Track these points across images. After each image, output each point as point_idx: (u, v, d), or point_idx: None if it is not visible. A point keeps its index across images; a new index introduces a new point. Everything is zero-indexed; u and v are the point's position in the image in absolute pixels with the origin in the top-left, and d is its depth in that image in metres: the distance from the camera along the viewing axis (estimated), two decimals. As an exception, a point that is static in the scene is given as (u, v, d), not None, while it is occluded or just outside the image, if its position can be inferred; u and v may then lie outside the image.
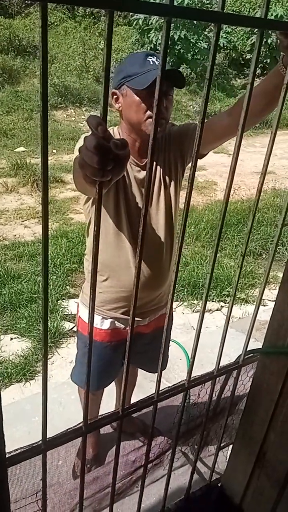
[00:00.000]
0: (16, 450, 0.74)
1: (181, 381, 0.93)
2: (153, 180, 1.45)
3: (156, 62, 1.31)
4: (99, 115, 0.53)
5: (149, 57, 1.32)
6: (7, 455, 0.70)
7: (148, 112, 1.32)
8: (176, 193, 1.50)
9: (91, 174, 0.55)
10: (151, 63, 1.30)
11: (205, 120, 1.54)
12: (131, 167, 1.43)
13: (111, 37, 0.45)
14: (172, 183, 1.48)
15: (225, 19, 0.54)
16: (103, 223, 1.44)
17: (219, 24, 0.53)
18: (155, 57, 1.33)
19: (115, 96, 1.40)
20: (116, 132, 1.46)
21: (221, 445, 1.20)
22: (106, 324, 1.61)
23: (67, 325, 2.99)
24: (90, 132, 0.55)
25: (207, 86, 0.54)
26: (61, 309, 3.14)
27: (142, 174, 1.44)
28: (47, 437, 0.73)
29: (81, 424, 0.77)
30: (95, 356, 1.65)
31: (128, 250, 1.47)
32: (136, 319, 1.60)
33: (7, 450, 0.68)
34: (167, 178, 1.47)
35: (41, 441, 0.73)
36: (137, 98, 1.32)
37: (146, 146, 1.41)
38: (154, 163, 1.45)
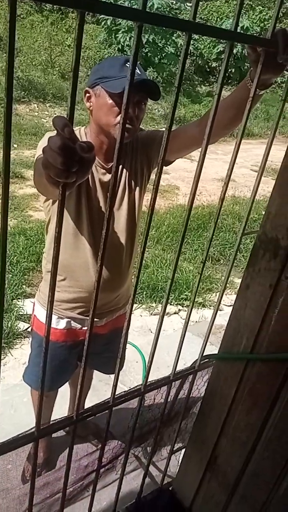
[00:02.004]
0: None
1: (137, 386, 0.93)
2: (118, 183, 1.45)
3: (136, 70, 1.29)
4: (64, 114, 0.52)
5: (129, 63, 1.30)
6: None
7: (117, 119, 1.30)
8: (140, 197, 1.51)
9: (54, 175, 0.54)
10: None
11: (174, 129, 1.53)
12: (96, 169, 1.41)
13: (81, 38, 0.45)
14: (137, 187, 1.48)
15: (196, 29, 0.54)
16: (63, 223, 1.42)
17: (190, 33, 0.53)
18: None
19: (87, 95, 1.37)
20: (82, 132, 1.44)
21: (174, 449, 1.21)
22: (62, 324, 1.59)
23: (22, 325, 2.92)
24: (55, 132, 0.54)
25: (175, 94, 0.54)
26: (16, 309, 3.06)
27: (107, 177, 1.43)
28: (-3, 442, 0.71)
29: (33, 429, 0.75)
30: (48, 356, 1.63)
31: (87, 251, 1.46)
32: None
33: None
34: (132, 182, 1.47)
35: (-10, 447, 0.71)
36: (110, 101, 1.30)
37: (113, 149, 1.39)
38: (120, 166, 1.45)
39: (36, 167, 1.14)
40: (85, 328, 1.61)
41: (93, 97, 1.35)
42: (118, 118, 1.31)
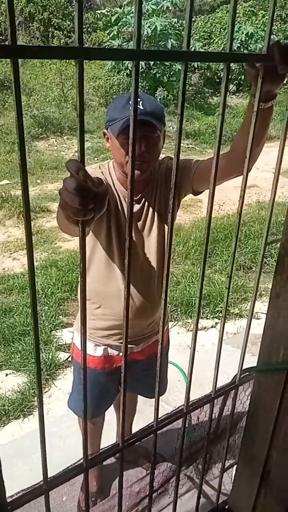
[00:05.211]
0: (18, 492, 0.73)
1: (179, 407, 0.93)
2: (147, 212, 1.49)
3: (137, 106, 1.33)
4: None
5: (131, 101, 1.34)
6: (9, 499, 0.69)
7: (127, 158, 1.35)
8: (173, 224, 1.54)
9: (73, 215, 0.56)
10: (131, 107, 1.33)
11: (204, 160, 1.54)
12: (125, 200, 1.45)
13: (82, 86, 0.47)
14: (169, 215, 1.50)
15: (191, 57, 0.56)
16: (95, 253, 1.48)
17: (187, 62, 0.55)
18: (138, 100, 1.34)
19: (106, 136, 1.44)
20: (111, 166, 1.49)
21: (225, 466, 1.19)
22: (99, 351, 1.62)
23: (62, 356, 2.96)
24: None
25: (179, 122, 0.56)
26: (55, 340, 3.11)
27: (136, 207, 1.47)
28: (48, 476, 0.73)
29: (81, 460, 0.77)
30: (89, 384, 1.65)
31: (119, 279, 1.49)
32: (129, 346, 1.61)
33: (9, 489, 0.68)
34: (162, 210, 1.50)
35: (42, 482, 0.72)
36: (117, 142, 1.35)
37: (137, 182, 1.43)
38: (152, 196, 1.49)
39: (59, 210, 1.18)
40: (122, 354, 1.62)
41: (109, 138, 1.42)
42: (127, 157, 1.35)
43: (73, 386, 1.79)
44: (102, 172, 1.46)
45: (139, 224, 1.49)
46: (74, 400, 1.78)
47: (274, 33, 13.89)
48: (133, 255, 1.50)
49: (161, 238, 1.51)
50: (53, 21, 14.30)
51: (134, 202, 1.47)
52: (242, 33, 12.95)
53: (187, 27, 0.53)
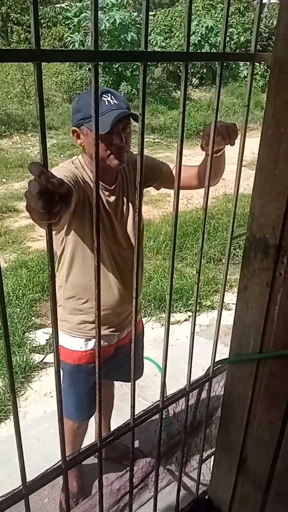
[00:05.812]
0: (-4, 500, 0.73)
1: (155, 402, 0.94)
2: (122, 202, 1.56)
3: (112, 102, 1.37)
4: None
5: (104, 95, 1.38)
6: (-13, 507, 0.69)
7: (108, 151, 1.39)
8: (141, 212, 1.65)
9: (38, 218, 0.56)
10: (107, 103, 1.37)
11: (172, 168, 1.63)
12: (103, 192, 1.51)
13: (41, 88, 0.47)
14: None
15: (150, 57, 0.57)
16: (78, 248, 1.50)
17: (145, 62, 0.56)
18: (110, 95, 1.38)
19: (76, 134, 1.46)
20: (82, 159, 1.51)
21: (203, 457, 1.22)
22: (90, 345, 1.63)
23: (37, 357, 2.93)
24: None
25: (141, 132, 0.56)
26: (29, 342, 3.07)
27: (112, 198, 1.53)
28: (28, 480, 0.72)
29: (60, 463, 0.77)
30: (82, 383, 1.65)
31: (109, 269, 1.54)
32: (116, 333, 1.66)
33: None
34: (134, 199, 1.57)
35: (21, 486, 0.72)
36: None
37: (110, 173, 1.51)
38: (124, 186, 1.57)
39: None
40: (112, 344, 1.67)
41: (82, 136, 1.43)
42: (108, 151, 1.40)
43: (63, 390, 1.78)
44: (76, 167, 1.47)
45: (118, 213, 1.55)
46: (67, 405, 1.76)
47: (233, 26, 14.04)
48: (116, 244, 1.56)
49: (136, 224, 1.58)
50: (11, 16, 13.99)
51: (110, 194, 1.53)
52: (202, 26, 13.02)
53: (143, 28, 0.53)
